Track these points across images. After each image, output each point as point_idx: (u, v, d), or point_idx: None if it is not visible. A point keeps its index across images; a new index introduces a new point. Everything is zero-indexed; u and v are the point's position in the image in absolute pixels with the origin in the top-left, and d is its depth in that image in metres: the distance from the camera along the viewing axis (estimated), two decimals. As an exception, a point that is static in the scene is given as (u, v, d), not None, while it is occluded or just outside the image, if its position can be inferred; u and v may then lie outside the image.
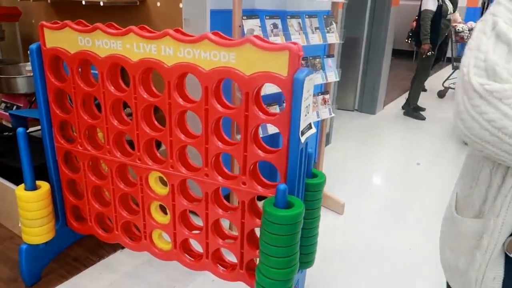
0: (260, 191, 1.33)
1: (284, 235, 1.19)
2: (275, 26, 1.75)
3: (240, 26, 1.64)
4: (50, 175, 1.70)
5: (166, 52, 1.31)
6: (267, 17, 1.73)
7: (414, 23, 8.63)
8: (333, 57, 2.15)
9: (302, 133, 1.20)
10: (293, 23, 1.83)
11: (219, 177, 1.38)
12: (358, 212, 2.45)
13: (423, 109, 4.70)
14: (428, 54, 4.16)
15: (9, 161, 1.95)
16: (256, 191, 1.33)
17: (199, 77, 1.28)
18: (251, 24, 1.67)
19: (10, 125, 2.59)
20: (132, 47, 1.35)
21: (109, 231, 1.74)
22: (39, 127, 2.53)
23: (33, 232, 1.63)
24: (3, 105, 2.92)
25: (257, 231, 1.35)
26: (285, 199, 1.18)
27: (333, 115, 2.22)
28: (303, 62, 1.96)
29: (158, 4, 2.26)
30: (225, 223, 1.57)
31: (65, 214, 1.78)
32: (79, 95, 1.51)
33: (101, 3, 2.22)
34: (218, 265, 1.54)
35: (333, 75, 2.13)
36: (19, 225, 1.97)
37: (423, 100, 4.85)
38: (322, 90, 2.20)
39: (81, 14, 2.64)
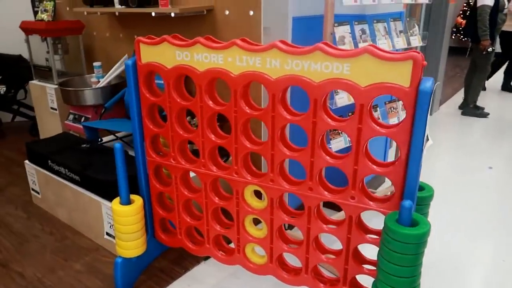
0: (371, 206, 1.27)
1: (407, 255, 1.13)
2: (363, 31, 1.69)
3: (332, 34, 1.60)
4: (141, 188, 1.71)
5: (272, 64, 1.28)
6: (355, 23, 1.67)
7: (459, 19, 8.41)
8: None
9: (424, 143, 1.14)
10: (379, 27, 1.77)
11: (325, 192, 1.34)
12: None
13: (483, 108, 4.50)
14: (488, 50, 3.99)
15: (93, 173, 1.99)
16: (366, 206, 1.28)
17: (308, 89, 1.24)
18: (342, 31, 1.62)
19: (77, 135, 2.67)
20: (234, 60, 1.33)
21: (198, 244, 1.73)
22: (111, 138, 2.59)
23: (128, 246, 1.65)
24: (71, 116, 3.01)
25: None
26: (410, 217, 1.12)
27: (413, 120, 2.13)
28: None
29: (227, 12, 2.24)
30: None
31: (154, 227, 1.79)
32: (174, 110, 1.51)
33: (172, 14, 2.23)
34: (317, 280, 1.49)
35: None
36: (104, 236, 2.01)
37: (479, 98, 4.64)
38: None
39: (146, 26, 2.69)
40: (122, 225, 1.61)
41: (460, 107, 4.65)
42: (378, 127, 1.19)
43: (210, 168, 1.52)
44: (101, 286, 1.79)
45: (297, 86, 1.26)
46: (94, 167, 2.03)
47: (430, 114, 4.57)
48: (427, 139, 1.19)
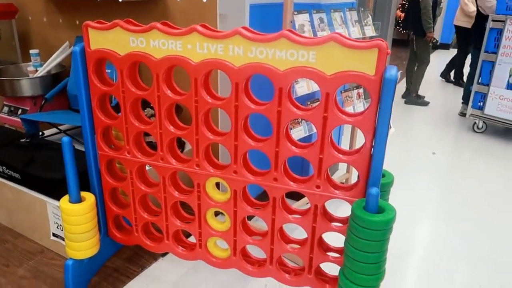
0: (337, 195, 1.28)
1: (374, 241, 1.15)
2: (321, 20, 1.68)
3: (291, 22, 1.57)
4: (93, 184, 1.60)
5: (235, 52, 1.23)
6: (314, 12, 1.66)
7: (398, 12, 8.79)
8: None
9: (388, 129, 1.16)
10: (336, 16, 1.77)
11: (290, 182, 1.32)
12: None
13: (423, 97, 4.75)
14: (433, 41, 4.21)
15: (36, 170, 1.82)
16: (332, 195, 1.28)
17: (273, 78, 1.21)
18: (301, 19, 1.60)
19: (13, 129, 2.44)
20: (194, 47, 1.26)
21: (156, 241, 1.65)
22: (54, 131, 2.40)
23: (79, 247, 1.53)
24: (6, 108, 2.75)
25: (286, 229, 1.31)
26: (377, 204, 1.14)
27: (367, 109, 2.18)
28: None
29: (178, -2, 2.15)
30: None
31: (107, 225, 1.69)
32: (128, 100, 1.41)
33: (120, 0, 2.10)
34: (282, 271, 1.49)
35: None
36: (50, 237, 1.86)
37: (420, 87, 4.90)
38: (356, 84, 2.16)
39: (89, 11, 2.50)
40: (72, 225, 1.49)
41: (403, 96, 4.87)
42: (343, 116, 1.19)
43: (169, 161, 1.45)
44: (49, 291, 1.66)
45: (258, 75, 1.23)
46: (36, 164, 1.87)
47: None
48: (390, 127, 1.21)
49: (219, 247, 1.57)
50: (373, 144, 1.17)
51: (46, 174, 1.78)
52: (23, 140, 2.12)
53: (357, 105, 2.12)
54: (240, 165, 1.36)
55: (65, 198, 1.50)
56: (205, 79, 1.30)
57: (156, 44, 1.31)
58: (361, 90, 2.15)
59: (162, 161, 1.46)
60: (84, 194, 1.53)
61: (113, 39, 1.36)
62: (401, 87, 5.10)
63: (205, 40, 1.25)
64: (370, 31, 2.01)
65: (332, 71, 1.15)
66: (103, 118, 1.48)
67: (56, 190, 1.73)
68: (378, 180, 1.19)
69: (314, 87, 1.78)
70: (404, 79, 4.98)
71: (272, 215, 1.39)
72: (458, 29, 5.16)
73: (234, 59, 1.24)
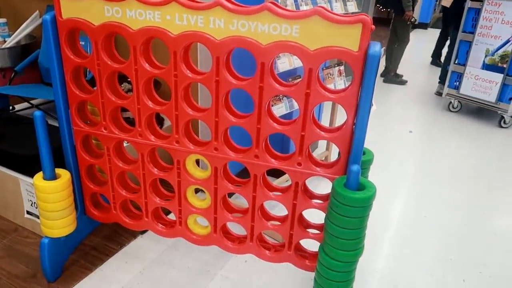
0: (318, 172, 1.28)
1: (354, 218, 1.16)
2: (304, -6, 1.65)
3: (273, -6, 1.52)
4: (68, 161, 1.54)
5: (216, 24, 1.19)
6: (297, -15, 1.62)
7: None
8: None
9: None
10: (319, -9, 1.73)
11: (272, 159, 1.31)
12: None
13: (401, 76, 4.80)
14: (412, 20, 4.21)
15: (7, 147, 1.75)
16: (313, 172, 1.28)
17: (255, 52, 1.18)
18: (283, -8, 1.55)
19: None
20: (174, 18, 1.21)
21: (135, 218, 1.63)
22: (25, 106, 2.31)
23: (55, 225, 1.49)
24: (-28, 81, 2.62)
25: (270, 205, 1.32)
26: (358, 181, 1.14)
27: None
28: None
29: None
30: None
31: (84, 203, 1.64)
32: (104, 73, 1.36)
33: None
34: (262, 247, 1.49)
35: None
36: (24, 215, 1.81)
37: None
38: (337, 61, 2.14)
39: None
40: (47, 202, 1.45)
41: (381, 75, 4.90)
42: (326, 93, 1.18)
43: (147, 137, 1.41)
44: (26, 270, 1.62)
45: (240, 49, 1.19)
46: (8, 140, 1.80)
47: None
48: (372, 104, 1.21)
49: (200, 224, 1.57)
50: (355, 122, 1.16)
51: (18, 150, 1.72)
52: (-8, 114, 2.03)
53: (338, 82, 2.11)
54: (221, 142, 1.33)
55: (39, 175, 1.45)
56: (185, 52, 1.26)
57: (133, 15, 1.25)
58: (342, 68, 2.14)
59: (140, 138, 1.42)
60: (59, 171, 1.48)
61: (86, 8, 1.29)
62: (380, 66, 5.12)
63: (185, 11, 1.19)
64: (352, 7, 1.99)
65: (316, 46, 1.12)
66: (78, 92, 1.42)
67: (29, 167, 1.67)
68: (359, 158, 1.19)
69: (296, 63, 1.75)
70: (384, 57, 5.00)
71: (253, 193, 1.38)
72: (443, 9, 5.18)
73: (215, 31, 1.19)
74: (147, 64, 1.31)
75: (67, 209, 1.50)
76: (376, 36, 7.62)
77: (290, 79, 1.81)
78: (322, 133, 1.23)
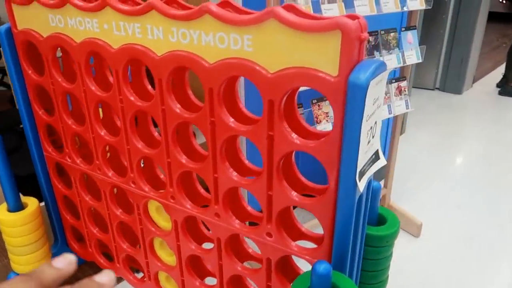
0: (293, 250, 0.86)
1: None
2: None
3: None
4: (43, 189, 1.37)
5: (154, 34, 0.86)
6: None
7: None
8: (415, 29, 1.56)
9: (362, 173, 0.71)
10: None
11: (236, 221, 0.94)
12: (441, 234, 1.88)
13: (525, 88, 3.82)
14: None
15: None
16: (287, 249, 0.87)
17: (200, 74, 0.82)
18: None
19: None
20: (111, 27, 0.92)
21: (111, 261, 1.39)
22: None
23: (22, 261, 1.33)
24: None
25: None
26: (327, 285, 0.71)
27: (411, 109, 1.65)
28: (370, 40, 1.41)
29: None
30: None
31: (64, 234, 1.47)
32: (59, 93, 1.13)
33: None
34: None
35: (413, 55, 1.55)
36: None
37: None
38: (396, 75, 1.63)
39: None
40: (12, 237, 1.29)
41: (498, 85, 3.98)
42: (295, 137, 0.76)
43: (105, 172, 1.15)
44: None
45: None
46: None
47: (459, 93, 3.93)
48: (376, 158, 0.75)
49: (174, 282, 1.25)
50: (337, 186, 0.73)
51: None
52: None
53: (396, 103, 1.60)
54: (177, 188, 1.00)
55: (3, 206, 1.30)
56: (124, 71, 0.95)
57: (74, 23, 0.99)
58: (403, 84, 1.62)
59: (99, 172, 1.17)
60: (27, 199, 1.31)
61: (35, 17, 1.08)
62: (498, 73, 4.18)
63: (121, 18, 0.89)
64: (417, 3, 1.46)
65: (276, 67, 0.72)
66: (41, 114, 1.23)
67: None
68: (344, 246, 0.75)
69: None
70: (504, 64, 4.05)
71: (219, 260, 1.02)
72: None
73: (155, 44, 0.87)
74: (94, 86, 1.04)
75: (36, 242, 1.33)
76: (502, 35, 6.38)
77: (314, 101, 1.39)
78: (294, 195, 0.81)
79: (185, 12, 0.79)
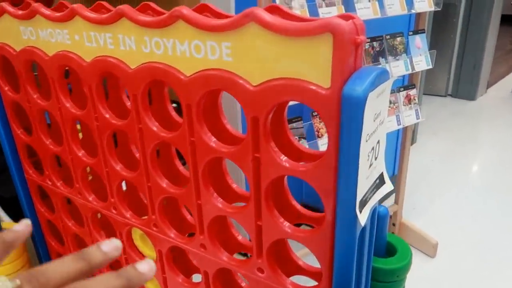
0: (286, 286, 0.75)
1: None
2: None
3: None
4: (25, 214, 1.28)
5: (126, 45, 0.77)
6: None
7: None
8: (424, 33, 1.45)
9: (363, 203, 0.59)
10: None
11: (224, 254, 0.83)
12: (457, 253, 1.74)
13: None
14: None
15: None
16: (280, 286, 0.76)
17: (177, 89, 0.72)
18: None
19: None
20: (82, 38, 0.83)
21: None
22: None
23: (2, 291, 1.23)
24: None
25: None
26: None
27: (421, 119, 1.53)
28: (374, 46, 1.30)
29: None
30: None
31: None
32: (36, 111, 1.05)
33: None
34: None
35: (423, 61, 1.43)
36: None
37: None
38: (405, 83, 1.51)
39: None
40: (-10, 265, 1.20)
41: (515, 89, 3.82)
42: (283, 160, 0.65)
43: (86, 197, 1.06)
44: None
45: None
46: None
47: (472, 99, 3.78)
48: (380, 183, 0.63)
49: (164, 315, 1.14)
50: (335, 217, 0.62)
51: None
52: None
53: (405, 113, 1.48)
54: (159, 216, 0.90)
55: (-19, 231, 1.21)
56: (99, 86, 0.86)
57: (45, 35, 0.91)
58: (412, 92, 1.50)
59: (79, 196, 1.07)
60: (6, 225, 1.22)
61: (7, 30, 0.99)
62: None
63: (91, 28, 0.80)
64: (425, 4, 1.35)
65: (260, 79, 0.62)
66: (20, 134, 1.14)
67: None
68: (347, 280, 0.63)
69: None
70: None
71: (208, 296, 0.91)
72: None
73: (128, 56, 0.77)
74: (69, 103, 0.95)
75: (19, 271, 1.23)
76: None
77: (315, 114, 1.28)
78: (287, 226, 0.70)
79: (156, 19, 0.69)
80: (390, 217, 1.82)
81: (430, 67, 1.45)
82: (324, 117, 0.57)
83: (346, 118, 0.53)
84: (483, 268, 1.64)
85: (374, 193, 0.63)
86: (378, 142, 0.61)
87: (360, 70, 0.54)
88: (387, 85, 0.58)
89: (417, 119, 1.51)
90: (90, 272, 0.30)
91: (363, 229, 0.64)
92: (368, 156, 0.57)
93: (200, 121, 0.72)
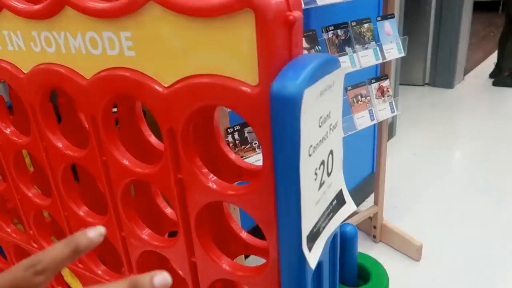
0: None
1: None
2: None
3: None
4: None
5: (14, 44, 0.60)
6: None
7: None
8: (393, 17, 1.32)
9: (314, 236, 0.45)
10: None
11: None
12: (444, 255, 1.62)
13: (520, 76, 3.60)
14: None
15: None
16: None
17: (76, 97, 0.56)
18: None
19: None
20: (12, 39, 0.66)
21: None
22: None
23: None
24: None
25: None
26: None
27: (397, 112, 1.40)
28: (339, 34, 1.16)
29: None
30: None
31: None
32: None
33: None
34: None
35: (394, 49, 1.30)
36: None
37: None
38: (377, 74, 1.38)
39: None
40: None
41: (491, 75, 3.75)
42: (213, 179, 0.50)
43: (5, 229, 0.89)
44: None
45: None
46: None
47: (450, 87, 3.72)
48: (339, 202, 0.49)
49: None
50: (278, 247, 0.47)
51: None
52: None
53: (379, 107, 1.35)
54: (86, 257, 0.74)
55: None
56: (42, 104, 0.68)
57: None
58: (385, 84, 1.37)
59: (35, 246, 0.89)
60: None
61: None
62: (489, 63, 3.96)
63: (25, 24, 0.62)
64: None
65: (171, 78, 0.47)
66: None
67: None
68: None
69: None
70: (496, 53, 3.83)
71: None
72: None
73: (18, 58, 0.61)
74: (8, 128, 0.76)
75: None
76: (489, 24, 6.19)
77: (349, 88, 1.15)
78: (224, 265, 0.55)
79: (40, 6, 0.53)
80: (370, 219, 1.70)
81: (403, 54, 1.33)
82: (254, 124, 0.42)
83: (277, 125, 0.38)
84: (472, 271, 1.52)
85: (331, 218, 0.49)
86: (331, 152, 0.46)
87: (295, 60, 0.40)
88: (337, 77, 0.43)
89: (392, 112, 1.38)
90: (77, 256, 0.31)
91: (321, 262, 0.50)
92: (316, 174, 0.43)
93: (111, 136, 0.56)
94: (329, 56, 0.43)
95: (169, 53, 0.46)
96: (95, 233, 0.31)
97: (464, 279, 1.50)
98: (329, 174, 0.47)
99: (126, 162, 0.56)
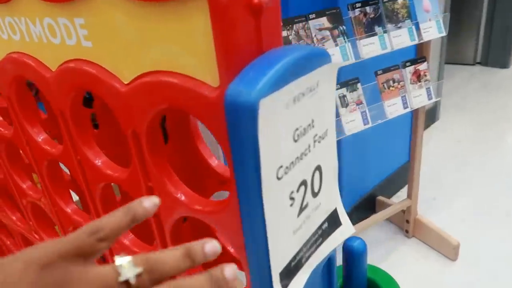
0: None
1: None
2: None
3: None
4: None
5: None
6: None
7: None
8: (435, -8, 1.16)
9: (292, 270, 0.36)
10: None
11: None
12: (481, 257, 1.48)
13: None
14: None
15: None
16: None
17: (43, 89, 0.51)
18: None
19: None
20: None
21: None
22: None
23: None
24: None
25: None
26: None
27: (435, 99, 1.25)
28: (367, 11, 1.02)
29: None
30: None
31: None
32: None
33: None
34: None
35: (433, 27, 1.14)
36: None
37: None
38: (413, 56, 1.23)
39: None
40: None
41: None
42: (183, 191, 0.43)
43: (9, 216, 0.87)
44: None
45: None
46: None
47: (505, 67, 3.39)
48: (331, 225, 0.40)
49: None
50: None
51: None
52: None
53: (414, 93, 1.21)
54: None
55: None
56: (18, 95, 0.64)
57: None
58: (422, 67, 1.22)
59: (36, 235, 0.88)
60: None
61: None
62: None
63: None
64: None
65: (131, 74, 0.40)
66: None
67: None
68: None
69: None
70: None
71: None
72: None
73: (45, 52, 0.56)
74: None
75: None
76: None
77: (380, 72, 1.07)
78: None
79: (-2, -11, 0.47)
80: (403, 212, 1.57)
81: (443, 34, 1.17)
82: (215, 134, 0.34)
83: (234, 141, 0.30)
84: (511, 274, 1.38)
85: (319, 245, 0.40)
86: (318, 168, 0.37)
87: (263, 56, 0.31)
88: (324, 76, 0.34)
89: (429, 99, 1.23)
90: (133, 225, 0.31)
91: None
92: (292, 198, 0.34)
93: (85, 134, 0.51)
94: (313, 49, 0.33)
95: (125, 44, 0.38)
96: (150, 203, 0.32)
97: (504, 283, 1.36)
98: (315, 195, 0.38)
99: (99, 164, 0.50)
